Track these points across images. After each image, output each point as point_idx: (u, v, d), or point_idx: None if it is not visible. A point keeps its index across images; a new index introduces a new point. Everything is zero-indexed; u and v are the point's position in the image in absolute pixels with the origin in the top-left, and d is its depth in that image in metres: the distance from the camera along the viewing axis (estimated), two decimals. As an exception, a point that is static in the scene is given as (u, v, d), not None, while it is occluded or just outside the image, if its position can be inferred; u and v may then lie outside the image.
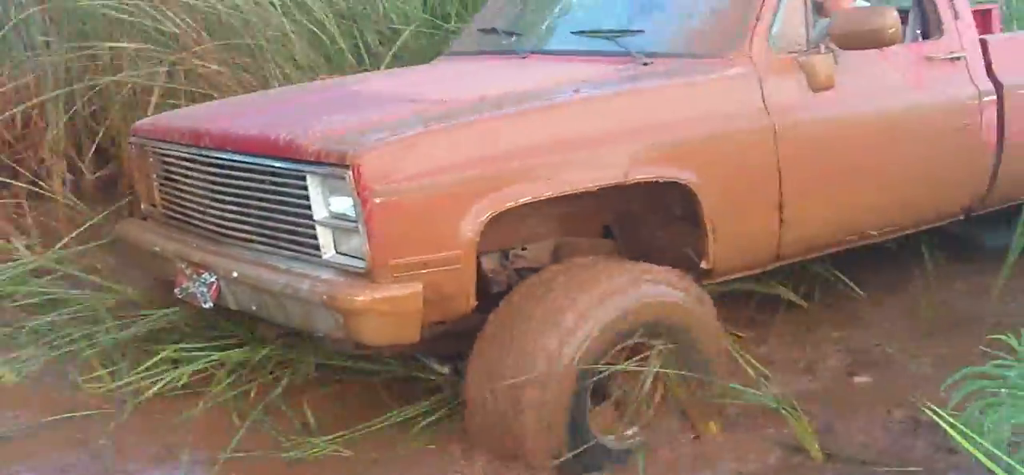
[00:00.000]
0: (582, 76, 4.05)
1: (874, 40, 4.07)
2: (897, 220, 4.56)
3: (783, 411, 3.69)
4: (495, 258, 3.82)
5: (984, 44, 4.72)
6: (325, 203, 3.46)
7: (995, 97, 4.66)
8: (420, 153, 3.39)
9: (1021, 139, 4.69)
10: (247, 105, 4.61)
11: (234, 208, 3.85)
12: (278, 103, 4.43)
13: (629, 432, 3.65)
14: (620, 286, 3.51)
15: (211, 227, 4.00)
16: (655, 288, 3.61)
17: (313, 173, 3.44)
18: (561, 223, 3.95)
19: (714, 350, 3.75)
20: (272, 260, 3.67)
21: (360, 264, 3.37)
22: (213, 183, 3.94)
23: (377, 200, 3.29)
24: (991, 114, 4.64)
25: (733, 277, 4.13)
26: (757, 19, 4.12)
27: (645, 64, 4.13)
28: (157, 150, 4.31)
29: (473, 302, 3.47)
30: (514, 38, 4.81)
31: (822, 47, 4.16)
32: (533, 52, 4.66)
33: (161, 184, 4.36)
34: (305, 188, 3.48)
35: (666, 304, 3.61)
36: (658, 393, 3.69)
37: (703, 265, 3.89)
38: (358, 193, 3.29)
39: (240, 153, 3.76)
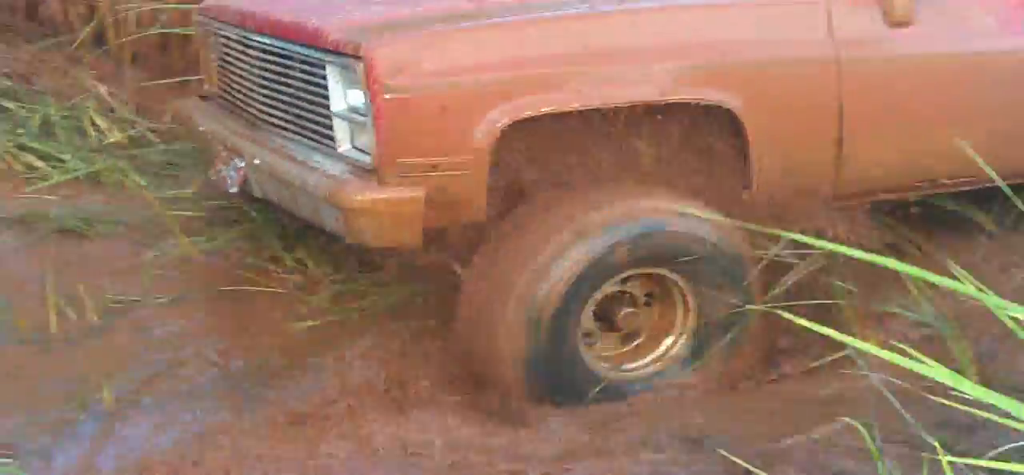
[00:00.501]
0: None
1: None
2: (978, 171, 4.23)
3: (943, 332, 3.47)
4: None
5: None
6: (343, 94, 3.39)
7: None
8: (437, 51, 3.28)
9: None
10: None
11: (269, 94, 3.81)
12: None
13: (634, 365, 3.50)
14: (616, 211, 3.36)
15: (251, 112, 3.98)
16: (655, 216, 3.44)
17: (332, 63, 3.37)
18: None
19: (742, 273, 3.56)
20: (294, 149, 3.63)
21: (369, 160, 3.28)
22: (254, 67, 3.91)
23: (387, 96, 3.19)
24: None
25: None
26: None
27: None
28: (216, 30, 4.30)
29: (485, 210, 3.34)
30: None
31: (903, -20, 3.84)
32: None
33: (218, 66, 4.35)
34: (326, 78, 3.40)
35: (671, 233, 3.44)
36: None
37: (746, 195, 3.67)
38: (369, 86, 3.20)
39: (277, 38, 3.71)
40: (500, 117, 3.26)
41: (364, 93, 3.22)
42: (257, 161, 3.68)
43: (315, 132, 3.55)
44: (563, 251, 3.32)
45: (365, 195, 3.22)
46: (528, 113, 3.29)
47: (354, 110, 3.34)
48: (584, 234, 3.33)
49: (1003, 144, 4.11)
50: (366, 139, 3.30)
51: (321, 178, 3.36)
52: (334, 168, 3.40)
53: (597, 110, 3.40)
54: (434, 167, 3.25)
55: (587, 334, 3.49)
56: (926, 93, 3.93)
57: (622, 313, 3.50)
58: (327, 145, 3.47)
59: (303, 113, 3.60)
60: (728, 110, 3.54)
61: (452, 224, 3.36)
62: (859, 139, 3.80)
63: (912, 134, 3.94)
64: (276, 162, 3.60)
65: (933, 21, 3.89)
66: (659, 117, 3.53)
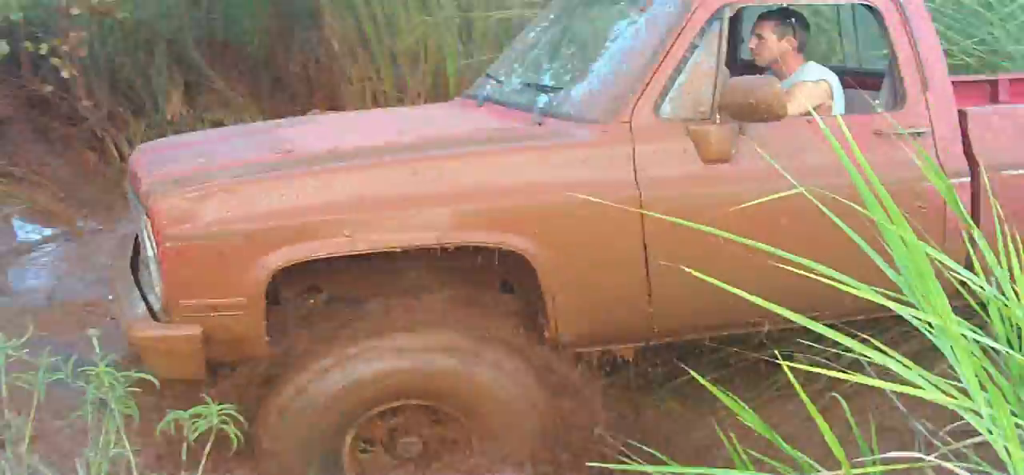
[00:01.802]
0: (478, 130, 4.08)
1: (755, 112, 3.81)
2: (819, 306, 4.19)
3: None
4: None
5: (963, 117, 4.22)
6: (149, 242, 3.73)
7: (968, 179, 4.16)
8: (215, 202, 3.59)
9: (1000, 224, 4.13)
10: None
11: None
12: (213, 141, 4.72)
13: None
14: (375, 348, 3.58)
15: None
16: (411, 356, 3.66)
17: (143, 213, 3.73)
18: (458, 276, 3.97)
19: (507, 422, 3.71)
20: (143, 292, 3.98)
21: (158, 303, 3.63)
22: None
23: (168, 244, 3.54)
24: (962, 197, 4.15)
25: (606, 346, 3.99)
26: (646, 85, 3.94)
27: (538, 124, 4.08)
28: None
29: (265, 346, 3.61)
30: (491, 86, 4.85)
31: (717, 117, 3.92)
32: (489, 100, 4.68)
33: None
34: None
35: (426, 372, 3.64)
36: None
37: (546, 334, 3.80)
38: (153, 235, 3.55)
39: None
40: (273, 262, 3.54)
41: (152, 243, 3.57)
42: (110, 297, 4.07)
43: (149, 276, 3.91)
44: (325, 379, 3.58)
45: (146, 332, 3.57)
46: (301, 258, 3.55)
47: (153, 256, 3.69)
48: (341, 367, 3.58)
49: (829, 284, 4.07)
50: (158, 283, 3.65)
51: (127, 315, 3.72)
52: (140, 308, 3.74)
53: (385, 254, 3.63)
54: (214, 308, 3.56)
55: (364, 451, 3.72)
56: (739, 231, 3.94)
57: (401, 441, 3.70)
58: (153, 288, 3.83)
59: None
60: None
61: (237, 358, 3.64)
62: (668, 279, 3.84)
63: (725, 273, 3.95)
64: (121, 302, 3.96)
65: (754, 156, 3.92)
66: (452, 260, 3.72)
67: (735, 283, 3.97)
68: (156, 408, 3.38)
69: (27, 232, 7.34)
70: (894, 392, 2.42)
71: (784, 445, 2.85)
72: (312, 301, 3.83)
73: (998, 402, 2.23)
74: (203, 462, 3.19)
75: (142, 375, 3.21)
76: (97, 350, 3.17)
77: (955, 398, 2.28)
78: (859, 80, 4.76)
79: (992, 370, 2.37)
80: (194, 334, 3.54)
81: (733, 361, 4.68)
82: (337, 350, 3.63)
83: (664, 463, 3.40)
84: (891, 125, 4.13)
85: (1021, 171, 4.22)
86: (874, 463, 2.66)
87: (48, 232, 7.19)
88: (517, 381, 3.73)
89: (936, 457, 2.45)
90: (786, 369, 2.70)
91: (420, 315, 3.75)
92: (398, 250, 3.63)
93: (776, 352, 3.21)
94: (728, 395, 2.83)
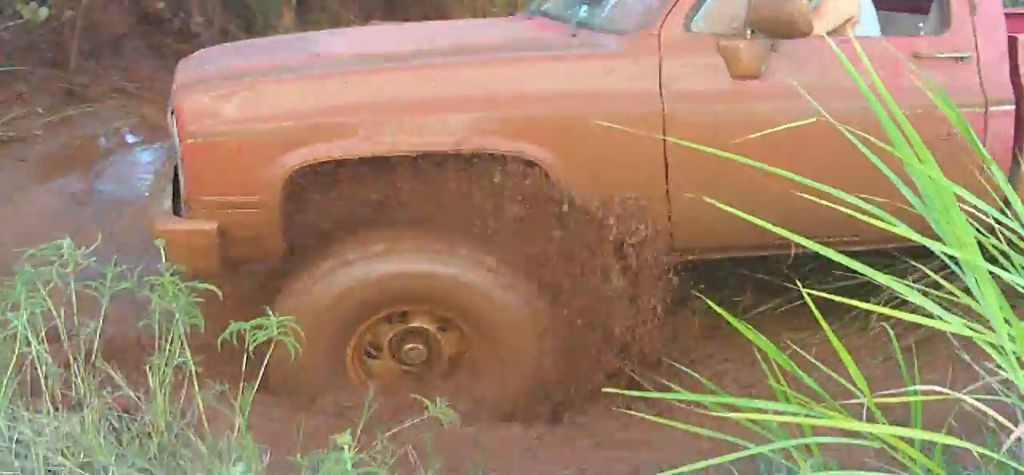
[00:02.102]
0: (510, 40, 4.09)
1: (782, 28, 3.72)
2: (843, 232, 4.10)
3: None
4: None
5: (1013, 44, 4.06)
6: (176, 140, 3.82)
7: (1012, 107, 4.02)
8: (237, 101, 3.66)
9: (1043, 160, 4.00)
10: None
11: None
12: (254, 48, 4.78)
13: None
14: (371, 254, 3.62)
15: None
16: (407, 261, 3.70)
17: (172, 113, 3.82)
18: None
19: (510, 331, 3.75)
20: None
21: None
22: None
23: (189, 141, 3.62)
24: (1003, 126, 4.01)
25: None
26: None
27: (573, 35, 4.06)
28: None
29: (281, 244, 3.68)
30: (552, 2, 4.81)
31: (748, 33, 3.84)
32: (540, 14, 4.66)
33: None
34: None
35: (425, 276, 3.69)
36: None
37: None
38: (178, 132, 3.63)
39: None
40: (291, 161, 3.59)
41: (177, 138, 3.65)
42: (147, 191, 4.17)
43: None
44: (330, 281, 3.64)
45: (165, 226, 3.66)
46: (318, 158, 3.60)
47: (177, 153, 3.77)
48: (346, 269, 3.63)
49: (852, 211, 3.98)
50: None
51: (152, 209, 3.81)
52: (166, 203, 3.84)
53: (406, 157, 3.66)
54: (231, 205, 3.63)
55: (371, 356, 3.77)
56: (767, 149, 3.87)
57: (406, 347, 3.74)
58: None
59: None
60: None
61: (254, 256, 3.71)
62: (690, 193, 3.81)
63: (751, 191, 3.90)
64: (152, 198, 4.06)
65: (786, 74, 3.85)
66: (472, 166, 3.73)
67: (759, 204, 3.93)
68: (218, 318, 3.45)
69: (132, 145, 7.52)
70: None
71: (804, 376, 2.82)
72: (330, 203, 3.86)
73: (1021, 338, 2.16)
74: (261, 373, 3.25)
75: (207, 286, 3.28)
76: (163, 260, 3.22)
77: (980, 333, 2.22)
78: (910, 4, 4.62)
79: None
80: (210, 229, 3.62)
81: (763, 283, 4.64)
82: (344, 251, 3.66)
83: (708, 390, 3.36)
84: (931, 48, 4.00)
85: (1067, 101, 4.05)
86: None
87: (155, 146, 7.35)
88: (523, 294, 3.73)
89: (966, 393, 2.34)
90: (806, 297, 2.65)
91: (432, 222, 3.77)
92: (415, 155, 3.65)
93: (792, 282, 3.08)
94: (751, 329, 2.78)
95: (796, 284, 3.13)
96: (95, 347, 3.24)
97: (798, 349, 2.95)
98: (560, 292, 3.82)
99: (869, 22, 4.35)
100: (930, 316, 2.26)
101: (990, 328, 2.20)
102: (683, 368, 3.70)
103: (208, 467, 3.10)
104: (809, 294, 2.66)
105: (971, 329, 2.20)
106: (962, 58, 4.01)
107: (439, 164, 3.69)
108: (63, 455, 3.00)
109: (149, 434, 3.18)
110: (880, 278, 2.38)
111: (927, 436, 2.19)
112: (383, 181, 3.72)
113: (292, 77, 3.72)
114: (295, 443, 3.26)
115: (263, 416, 3.36)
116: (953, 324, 2.20)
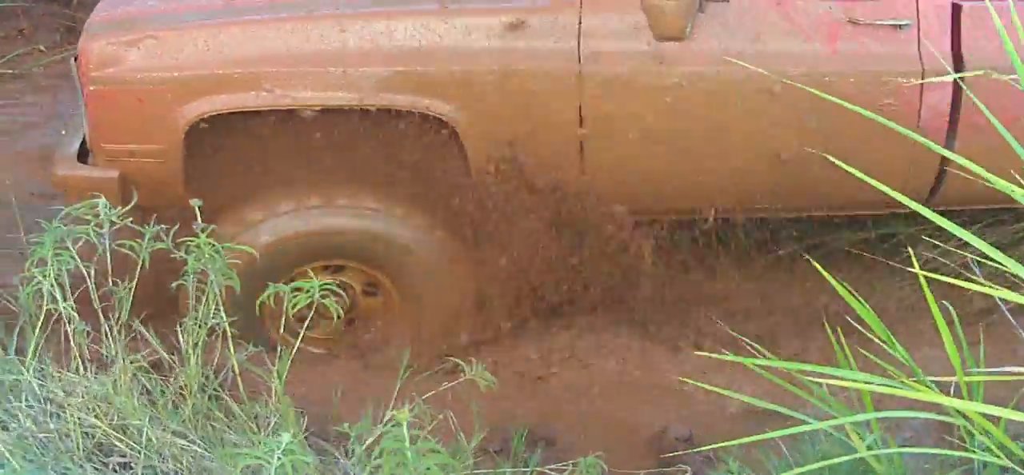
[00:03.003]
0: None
1: None
2: (771, 200, 3.99)
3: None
4: None
5: (957, 11, 3.89)
6: (78, 83, 3.76)
7: (951, 80, 3.85)
8: (140, 49, 3.59)
9: (983, 131, 3.81)
10: None
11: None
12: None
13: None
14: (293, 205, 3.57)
15: None
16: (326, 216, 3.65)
17: (75, 58, 3.75)
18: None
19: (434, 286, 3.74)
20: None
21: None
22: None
23: (91, 87, 3.57)
24: (939, 96, 3.86)
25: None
26: (606, -47, 3.76)
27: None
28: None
29: (183, 194, 3.62)
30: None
31: (682, -8, 3.71)
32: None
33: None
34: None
35: (345, 231, 3.66)
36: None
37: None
38: (80, 80, 3.58)
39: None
40: (192, 112, 3.53)
41: (78, 82, 3.60)
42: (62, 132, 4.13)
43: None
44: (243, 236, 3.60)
45: (65, 172, 3.62)
46: (218, 109, 3.54)
47: (80, 98, 3.72)
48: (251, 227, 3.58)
49: (790, 174, 3.88)
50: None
51: (57, 154, 3.77)
52: (73, 149, 3.79)
53: (309, 109, 3.59)
54: (133, 154, 3.58)
55: None
56: (687, 114, 3.75)
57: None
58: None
59: None
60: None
61: (156, 204, 3.66)
62: (604, 156, 3.73)
63: (670, 156, 3.80)
64: (62, 143, 4.02)
65: (714, 37, 3.73)
66: (378, 121, 3.65)
67: (675, 168, 3.85)
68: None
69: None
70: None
71: (899, 349, 2.68)
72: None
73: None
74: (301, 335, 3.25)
75: (243, 248, 3.24)
76: (198, 221, 3.19)
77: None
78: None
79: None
80: (111, 177, 3.59)
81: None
82: (255, 207, 3.61)
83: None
84: (868, 14, 3.85)
85: (1013, 75, 3.88)
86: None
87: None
88: (440, 245, 3.67)
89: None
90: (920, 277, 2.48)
91: (346, 175, 3.71)
92: (318, 108, 3.57)
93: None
94: (844, 286, 2.66)
95: (908, 252, 2.91)
96: (126, 307, 3.22)
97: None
98: (477, 244, 3.79)
99: None
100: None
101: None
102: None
103: (246, 432, 3.11)
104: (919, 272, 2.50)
105: None
106: (901, 25, 3.85)
107: (345, 119, 3.61)
108: (96, 416, 3.01)
109: (183, 396, 3.20)
110: (997, 254, 2.27)
111: (999, 412, 2.16)
112: (290, 134, 3.65)
113: (197, 25, 3.64)
114: (331, 408, 3.33)
115: (293, 377, 3.32)
116: None
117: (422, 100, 3.59)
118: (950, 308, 2.74)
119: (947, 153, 2.72)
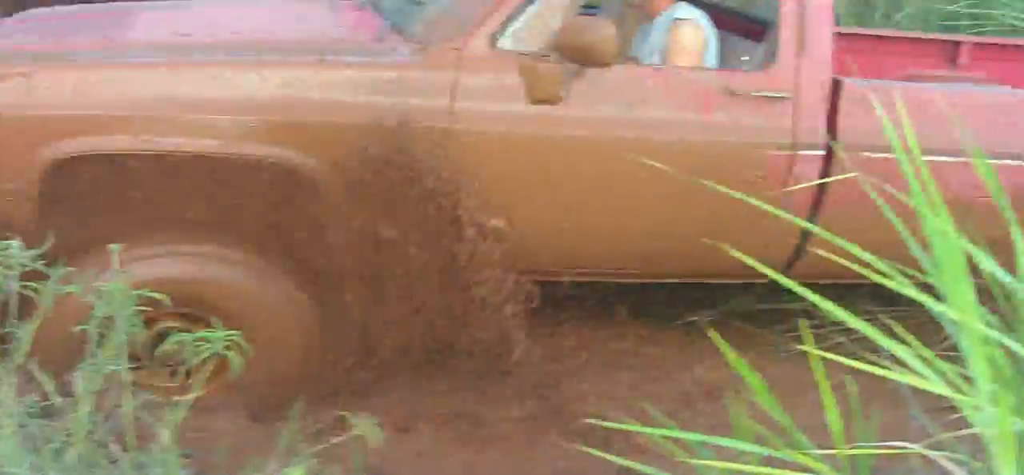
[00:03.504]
0: (310, 38, 3.95)
1: (584, 55, 3.60)
2: (643, 265, 4.01)
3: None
4: None
5: (836, 88, 3.91)
6: None
7: (822, 152, 3.88)
8: (6, 86, 3.52)
9: (849, 208, 3.84)
10: None
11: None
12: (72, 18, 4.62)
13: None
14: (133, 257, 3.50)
15: None
16: (169, 263, 3.58)
17: None
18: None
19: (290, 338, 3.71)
20: None
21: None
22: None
23: None
24: (808, 170, 3.88)
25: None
26: (490, 13, 3.75)
27: (380, 40, 3.92)
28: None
29: (39, 235, 3.53)
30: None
31: (552, 56, 3.70)
32: (370, 4, 4.50)
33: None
34: None
35: (185, 280, 3.57)
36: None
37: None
38: None
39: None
40: (51, 153, 3.48)
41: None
42: None
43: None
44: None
45: None
46: (78, 152, 3.48)
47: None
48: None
49: (661, 239, 3.88)
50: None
51: None
52: None
53: (173, 155, 3.54)
54: (-7, 189, 3.52)
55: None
56: (567, 176, 3.77)
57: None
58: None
59: None
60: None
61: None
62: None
63: (547, 218, 3.80)
64: None
65: (588, 102, 3.74)
66: (241, 169, 3.61)
67: (545, 230, 3.84)
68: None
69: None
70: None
71: (786, 420, 2.67)
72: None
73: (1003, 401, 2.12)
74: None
75: (155, 296, 3.17)
76: (115, 265, 3.12)
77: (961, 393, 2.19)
78: (749, 26, 4.47)
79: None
80: None
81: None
82: (100, 252, 3.55)
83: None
84: (747, 85, 3.86)
85: (883, 155, 3.90)
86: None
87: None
88: (287, 297, 3.63)
89: (923, 446, 2.38)
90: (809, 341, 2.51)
91: (205, 223, 3.66)
92: (180, 155, 3.53)
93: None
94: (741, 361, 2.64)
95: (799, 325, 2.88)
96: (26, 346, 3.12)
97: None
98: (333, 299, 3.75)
99: (711, 54, 4.22)
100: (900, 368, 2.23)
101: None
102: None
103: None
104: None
105: (954, 392, 2.17)
106: (779, 98, 3.86)
107: (207, 165, 3.57)
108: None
109: (70, 442, 3.09)
110: (868, 329, 2.27)
111: None
112: (153, 179, 3.60)
113: (66, 65, 3.58)
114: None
115: (195, 428, 3.28)
116: (938, 385, 2.18)
117: (286, 152, 3.55)
118: (850, 381, 2.74)
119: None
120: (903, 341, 2.25)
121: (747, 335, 4.31)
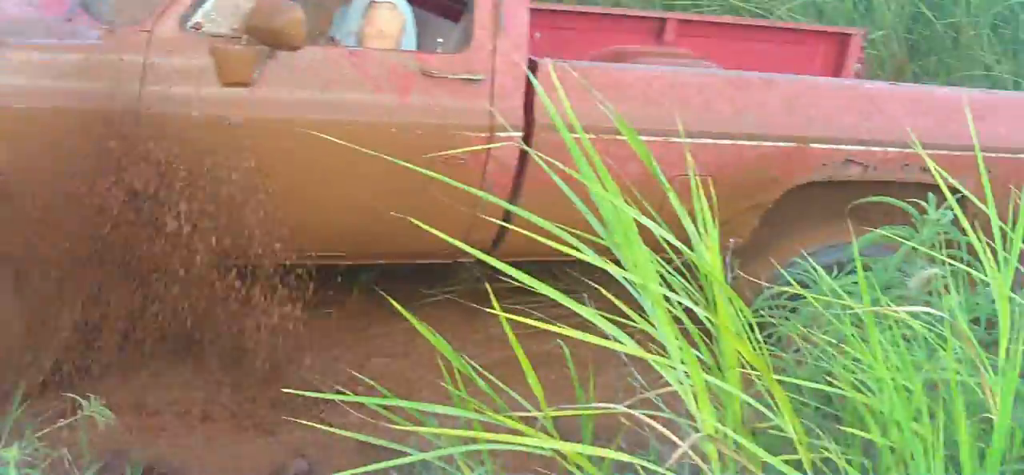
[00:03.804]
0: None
1: (274, 38, 3.57)
2: (349, 247, 4.04)
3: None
4: None
5: (532, 69, 4.00)
6: None
7: (520, 135, 3.97)
8: None
9: (547, 189, 3.94)
10: None
11: None
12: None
13: None
14: None
15: None
16: None
17: None
18: None
19: None
20: None
21: None
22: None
23: None
24: (507, 153, 3.98)
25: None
26: (177, -5, 3.66)
27: (68, 20, 3.78)
28: None
29: None
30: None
31: (245, 38, 3.66)
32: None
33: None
34: None
35: None
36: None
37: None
38: None
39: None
40: None
41: None
42: None
43: None
44: None
45: None
46: None
47: None
48: None
49: (362, 221, 3.90)
50: None
51: None
52: None
53: None
54: None
55: None
56: (260, 160, 3.73)
57: None
58: None
59: None
60: None
61: None
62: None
63: (239, 201, 3.76)
64: None
65: (278, 84, 3.72)
66: None
67: (241, 213, 3.81)
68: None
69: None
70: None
71: (480, 382, 2.80)
72: None
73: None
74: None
75: None
76: None
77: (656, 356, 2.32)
78: (448, 5, 4.53)
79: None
80: None
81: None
82: None
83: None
84: (443, 66, 3.92)
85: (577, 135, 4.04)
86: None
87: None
88: None
89: (627, 406, 2.40)
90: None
91: None
92: None
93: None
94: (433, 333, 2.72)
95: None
96: None
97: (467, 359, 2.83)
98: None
99: (409, 36, 4.25)
100: (605, 336, 2.31)
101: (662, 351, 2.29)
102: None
103: None
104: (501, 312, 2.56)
105: (646, 353, 2.29)
106: (475, 80, 3.94)
107: None
108: None
109: None
110: (562, 298, 2.38)
111: (594, 451, 2.33)
112: None
113: None
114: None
115: None
116: (628, 346, 2.26)
117: None
118: (563, 346, 2.83)
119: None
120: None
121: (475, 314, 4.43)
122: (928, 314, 2.53)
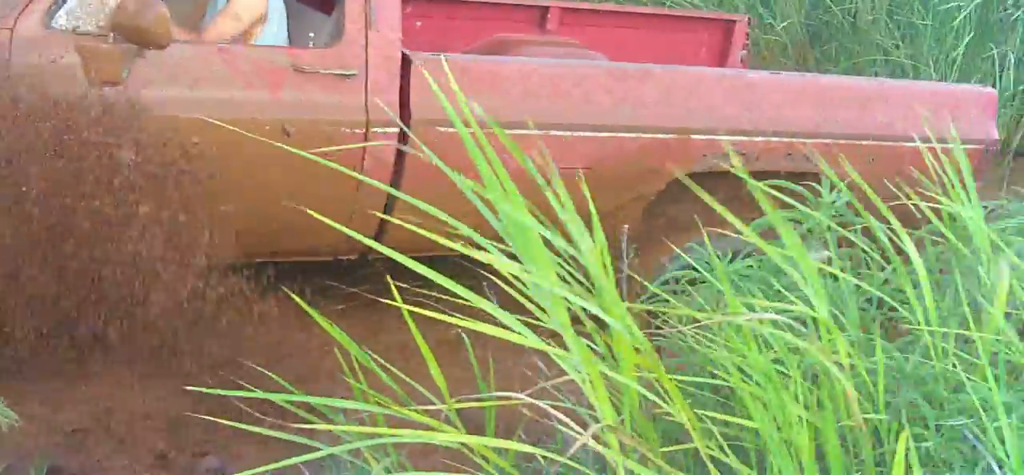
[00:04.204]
0: None
1: (137, 36, 3.48)
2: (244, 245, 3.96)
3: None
4: None
5: (406, 63, 3.97)
6: None
7: (396, 130, 3.94)
8: None
9: (425, 183, 3.90)
10: None
11: None
12: None
13: None
14: None
15: None
16: None
17: None
18: None
19: None
20: None
21: None
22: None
23: None
24: (383, 149, 3.94)
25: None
26: (36, -10, 3.54)
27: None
28: None
29: None
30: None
31: (112, 36, 3.56)
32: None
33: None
34: None
35: None
36: None
37: None
38: None
39: None
40: None
41: None
42: None
43: None
44: None
45: None
46: None
47: None
48: None
49: (251, 221, 3.82)
50: None
51: None
52: None
53: None
54: None
55: None
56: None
57: None
58: None
59: None
60: None
61: None
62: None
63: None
64: None
65: (148, 82, 3.60)
66: None
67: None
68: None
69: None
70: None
71: (384, 377, 2.80)
72: None
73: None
74: None
75: None
76: None
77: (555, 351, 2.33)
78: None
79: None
80: None
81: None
82: None
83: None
84: (315, 62, 3.87)
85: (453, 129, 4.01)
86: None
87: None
88: None
89: (528, 395, 2.41)
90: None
91: None
92: None
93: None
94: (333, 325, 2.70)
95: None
96: None
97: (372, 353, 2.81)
98: None
99: (278, 23, 4.18)
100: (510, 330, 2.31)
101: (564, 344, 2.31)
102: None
103: None
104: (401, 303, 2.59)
105: (544, 344, 2.30)
106: (348, 75, 3.89)
107: None
108: None
109: None
110: (466, 293, 2.37)
111: (500, 443, 2.36)
112: None
113: None
114: None
115: None
116: (531, 340, 2.28)
117: None
118: (465, 338, 2.85)
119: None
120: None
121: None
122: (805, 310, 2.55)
